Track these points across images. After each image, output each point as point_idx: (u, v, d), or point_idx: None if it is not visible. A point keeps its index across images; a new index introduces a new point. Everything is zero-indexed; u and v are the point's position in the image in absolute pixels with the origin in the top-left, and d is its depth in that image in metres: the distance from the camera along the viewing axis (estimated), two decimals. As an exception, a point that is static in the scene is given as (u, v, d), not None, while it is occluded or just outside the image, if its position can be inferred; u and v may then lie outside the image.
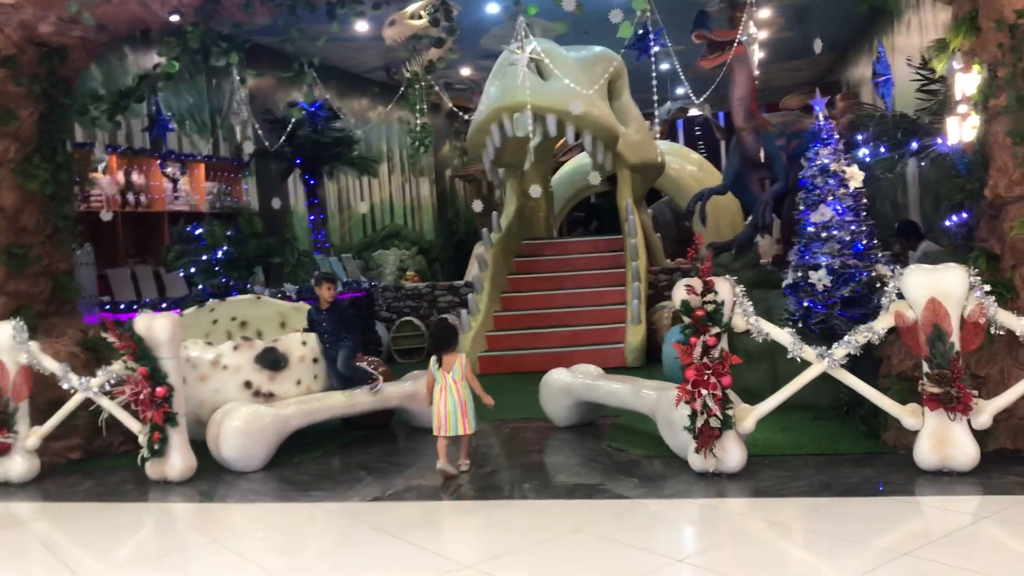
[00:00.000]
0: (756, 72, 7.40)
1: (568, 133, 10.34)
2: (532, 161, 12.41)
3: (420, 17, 7.02)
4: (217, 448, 6.75)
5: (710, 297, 5.69)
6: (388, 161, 18.58)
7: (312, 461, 7.02)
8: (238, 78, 7.50)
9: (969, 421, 5.46)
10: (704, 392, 5.64)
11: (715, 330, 5.68)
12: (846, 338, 5.69)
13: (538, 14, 6.66)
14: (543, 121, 10.28)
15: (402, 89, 7.26)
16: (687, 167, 16.92)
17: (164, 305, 8.75)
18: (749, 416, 5.80)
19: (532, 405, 7.97)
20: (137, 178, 10.96)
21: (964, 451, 5.43)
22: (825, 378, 5.96)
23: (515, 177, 12.17)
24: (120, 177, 10.55)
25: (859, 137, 7.71)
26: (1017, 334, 5.48)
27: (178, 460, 6.57)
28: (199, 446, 6.77)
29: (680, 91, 19.47)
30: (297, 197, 14.88)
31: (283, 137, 8.76)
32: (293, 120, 8.53)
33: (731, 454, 5.73)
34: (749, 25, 6.26)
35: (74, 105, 8.02)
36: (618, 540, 4.70)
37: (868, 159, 7.01)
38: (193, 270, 9.22)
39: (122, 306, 9.14)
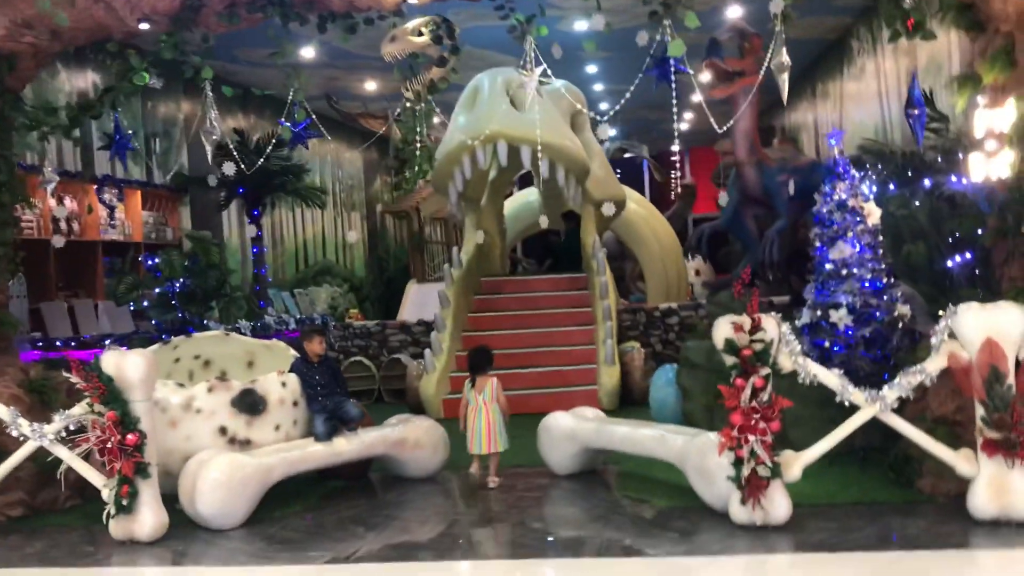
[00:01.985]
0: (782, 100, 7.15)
1: (543, 166, 9.95)
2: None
3: (421, 34, 6.57)
4: (192, 503, 6.00)
5: (759, 336, 5.31)
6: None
7: (296, 516, 6.32)
8: (211, 95, 6.85)
9: (1027, 468, 5.21)
10: (752, 438, 5.25)
11: (764, 371, 5.30)
12: (897, 380, 5.40)
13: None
14: (517, 153, 9.86)
15: (398, 111, 6.74)
16: (630, 204, 16.73)
17: (107, 343, 7.91)
18: (796, 463, 5.43)
19: (518, 451, 7.45)
20: (70, 204, 10.06)
21: (1024, 499, 5.17)
22: (833, 421, 5.66)
23: (473, 212, 11.70)
24: (52, 203, 9.64)
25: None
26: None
27: (149, 517, 5.79)
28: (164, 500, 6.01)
29: (612, 132, 19.57)
30: (231, 228, 14.08)
31: (260, 160, 8.05)
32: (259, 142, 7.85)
33: (778, 505, 5.33)
34: (782, 52, 6.00)
35: (19, 119, 7.21)
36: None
37: (873, 196, 6.81)
38: (146, 304, 8.41)
39: (59, 343, 8.24)
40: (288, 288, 15.64)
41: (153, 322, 8.39)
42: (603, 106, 13.93)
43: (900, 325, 6.69)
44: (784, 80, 6.04)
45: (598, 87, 17.31)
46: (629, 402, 10.05)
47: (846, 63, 13.52)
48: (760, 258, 7.64)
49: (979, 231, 6.42)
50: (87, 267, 10.13)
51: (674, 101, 6.27)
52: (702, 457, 5.69)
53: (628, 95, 6.07)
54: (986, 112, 6.23)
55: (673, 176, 14.79)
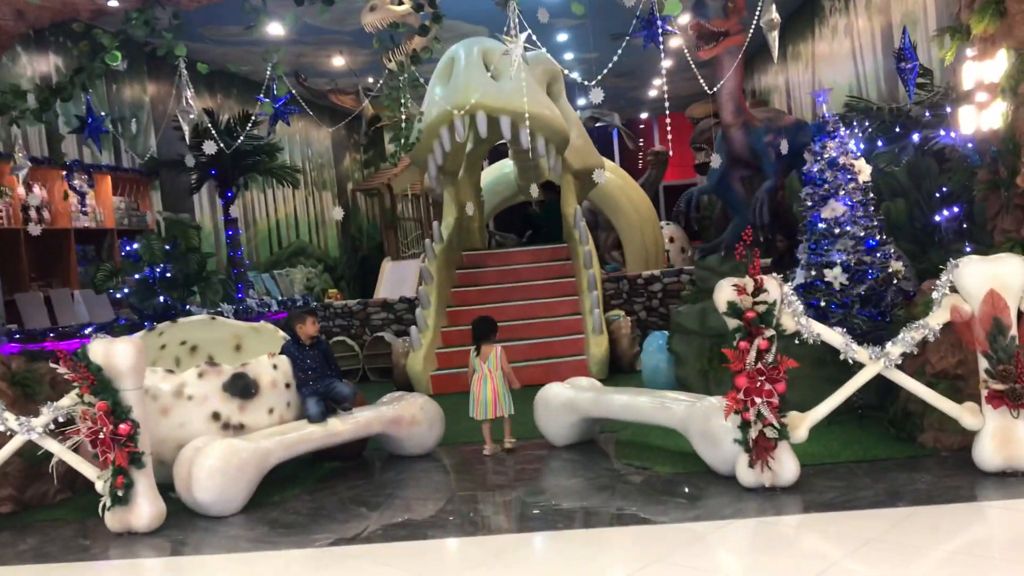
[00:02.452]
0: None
1: (522, 136, 9.80)
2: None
3: (402, 3, 6.39)
4: (189, 491, 5.87)
5: (762, 297, 5.26)
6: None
7: (295, 499, 6.21)
8: (185, 73, 6.63)
9: (1030, 418, 5.22)
10: (758, 400, 5.21)
11: (768, 333, 5.25)
12: (901, 335, 5.38)
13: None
14: (497, 124, 9.71)
15: (380, 82, 6.56)
16: (605, 172, 16.64)
17: (91, 332, 7.72)
18: (802, 424, 5.40)
19: (512, 423, 7.41)
20: (39, 191, 9.78)
21: (1030, 450, 5.18)
22: (829, 380, 5.64)
23: (452, 186, 11.54)
24: (22, 191, 9.37)
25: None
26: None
27: (146, 507, 5.66)
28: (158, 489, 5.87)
29: (582, 101, 19.43)
30: (202, 211, 13.82)
31: (239, 139, 7.83)
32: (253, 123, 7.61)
33: (786, 466, 5.31)
34: (771, 9, 5.91)
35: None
36: (707, 571, 4.19)
37: (861, 153, 6.77)
38: (126, 290, 8.20)
39: (39, 334, 8.02)
40: (263, 270, 15.41)
41: (134, 309, 8.19)
42: (574, 75, 13.80)
43: (895, 282, 6.68)
44: (774, 38, 5.95)
45: (568, 56, 17.15)
46: (617, 370, 10.03)
47: (818, 23, 13.46)
48: (751, 220, 7.58)
49: (967, 184, 6.45)
50: (60, 256, 9.86)
51: (662, 64, 6.16)
52: (706, 421, 5.66)
53: (616, 58, 5.92)
54: (974, 64, 6.18)
55: (664, 142, 14.55)
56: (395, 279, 17.36)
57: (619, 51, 5.92)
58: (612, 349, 10.03)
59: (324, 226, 18.95)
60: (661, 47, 5.99)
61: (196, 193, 12.67)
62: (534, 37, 6.29)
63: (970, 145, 6.13)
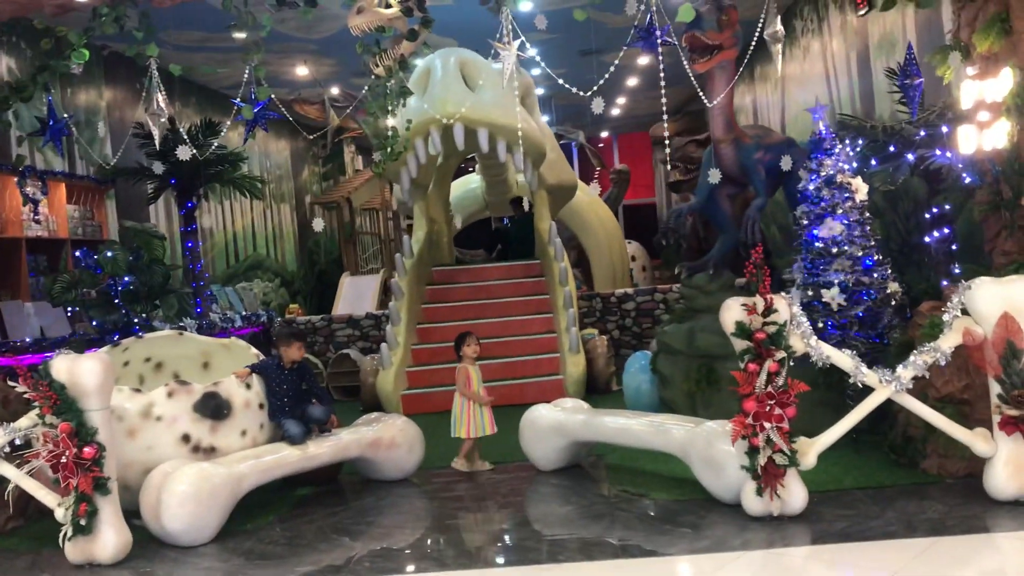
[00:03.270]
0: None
1: (499, 149, 9.57)
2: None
3: (389, 6, 6.11)
4: (157, 519, 5.46)
5: (772, 318, 5.05)
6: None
7: (270, 527, 5.83)
8: (157, 74, 6.26)
9: (1044, 445, 5.07)
10: (767, 425, 4.99)
11: (779, 355, 5.04)
12: (912, 358, 5.20)
13: None
14: (474, 136, 9.45)
15: (365, 89, 6.27)
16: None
17: (48, 346, 7.25)
18: (811, 450, 5.20)
19: (492, 446, 7.13)
20: (-11, 198, 9.26)
21: (1044, 478, 5.03)
22: (821, 403, 5.46)
23: (422, 199, 11.24)
24: (-32, 196, 8.85)
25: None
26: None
27: (111, 537, 5.24)
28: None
29: (546, 118, 19.25)
30: (158, 222, 13.30)
31: (212, 147, 7.43)
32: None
33: (794, 494, 5.10)
34: (776, 21, 5.74)
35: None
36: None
37: (851, 171, 6.63)
38: (81, 304, 7.72)
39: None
40: (219, 284, 14.91)
41: (94, 323, 7.73)
42: (539, 91, 13.58)
43: (892, 303, 6.55)
44: (778, 51, 5.79)
45: (535, 72, 16.97)
46: (592, 390, 9.79)
47: (788, 44, 13.43)
48: (743, 238, 7.40)
49: (952, 205, 6.38)
50: (10, 267, 9.31)
51: (661, 74, 5.96)
52: (709, 447, 5.42)
53: (612, 68, 5.70)
54: (975, 82, 6.08)
55: (676, 159, 14.21)
56: (354, 294, 16.95)
57: (619, 56, 5.68)
58: (588, 368, 9.79)
59: (281, 239, 18.48)
60: (660, 58, 5.78)
61: (153, 203, 12.17)
62: (527, 44, 6.05)
63: (959, 165, 6.01)
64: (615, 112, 22.01)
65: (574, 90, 6.26)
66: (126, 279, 7.49)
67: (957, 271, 7.12)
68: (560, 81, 6.23)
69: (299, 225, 19.47)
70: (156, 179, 11.12)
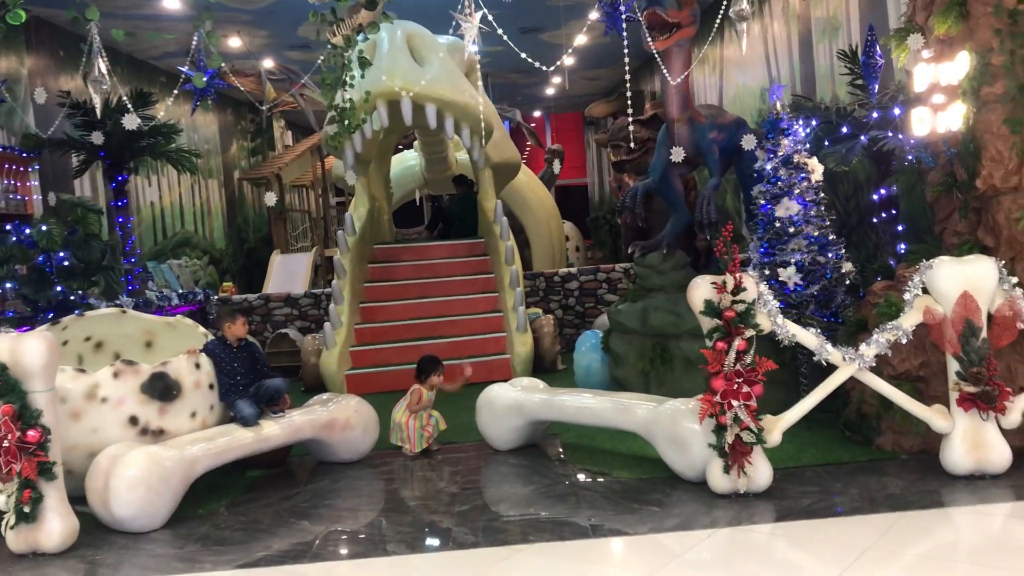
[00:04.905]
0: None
1: (447, 125, 9.40)
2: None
3: (348, -27, 5.90)
4: (106, 504, 5.24)
5: (741, 296, 5.05)
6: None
7: (223, 512, 5.64)
8: (98, 39, 5.94)
9: (998, 420, 5.20)
10: (735, 403, 5.00)
11: (748, 333, 5.05)
12: (875, 337, 5.27)
13: None
14: (421, 111, 9.26)
15: (320, 60, 6.04)
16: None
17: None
18: (775, 428, 5.23)
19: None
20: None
21: (999, 452, 5.17)
22: (774, 381, 5.52)
23: (364, 175, 10.99)
24: None
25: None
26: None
27: (56, 524, 5.01)
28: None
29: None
30: (83, 195, 12.76)
31: (157, 118, 7.07)
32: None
33: (760, 471, 5.13)
34: (742, 0, 5.72)
35: None
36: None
37: (806, 152, 6.68)
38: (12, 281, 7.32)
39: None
40: (147, 260, 14.41)
41: (27, 301, 7.34)
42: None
43: (847, 282, 6.63)
44: (742, 29, 5.77)
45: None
46: (540, 369, 9.74)
47: (727, 27, 13.52)
48: (698, 218, 7.41)
49: (898, 186, 6.48)
50: (-71, 241, 8.82)
51: (625, 51, 5.89)
52: (674, 425, 5.42)
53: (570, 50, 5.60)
54: (930, 65, 6.16)
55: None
56: (285, 273, 16.60)
57: (625, 38, 5.57)
58: (534, 348, 9.74)
59: (209, 216, 17.96)
60: (624, 35, 5.71)
61: (80, 176, 11.66)
62: (490, 17, 5.92)
63: (909, 145, 6.09)
64: (549, 91, 21.96)
65: (536, 64, 6.14)
66: (61, 254, 7.14)
67: (901, 250, 7.24)
68: (523, 56, 6.10)
69: (227, 201, 18.96)
70: (84, 151, 10.63)
